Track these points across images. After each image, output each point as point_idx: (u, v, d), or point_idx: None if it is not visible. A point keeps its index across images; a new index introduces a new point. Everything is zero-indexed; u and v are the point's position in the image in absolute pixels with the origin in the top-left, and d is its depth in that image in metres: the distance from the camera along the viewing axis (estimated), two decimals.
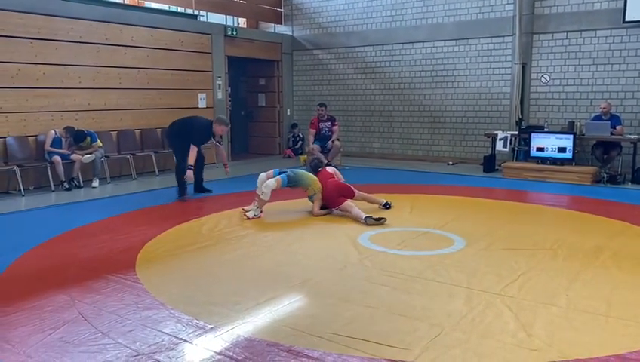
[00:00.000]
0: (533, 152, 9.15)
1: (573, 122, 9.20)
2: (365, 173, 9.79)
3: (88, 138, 8.41)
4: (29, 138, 8.21)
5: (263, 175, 6.46)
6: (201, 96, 10.84)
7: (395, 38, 11.48)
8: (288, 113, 13.16)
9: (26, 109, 8.16)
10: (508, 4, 10.18)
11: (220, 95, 11.25)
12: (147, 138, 9.81)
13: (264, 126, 13.23)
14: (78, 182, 8.36)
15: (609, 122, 8.71)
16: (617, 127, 8.69)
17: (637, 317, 3.39)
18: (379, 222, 5.78)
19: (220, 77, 11.21)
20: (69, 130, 8.21)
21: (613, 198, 7.33)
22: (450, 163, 10.83)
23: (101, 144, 8.64)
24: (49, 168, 8.03)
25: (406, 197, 7.32)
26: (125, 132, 9.51)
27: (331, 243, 5.18)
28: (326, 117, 10.15)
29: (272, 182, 6.22)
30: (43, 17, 8.27)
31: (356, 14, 11.94)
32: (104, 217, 6.32)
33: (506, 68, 10.35)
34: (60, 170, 8.01)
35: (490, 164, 9.76)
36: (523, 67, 10.04)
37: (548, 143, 8.99)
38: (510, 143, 9.59)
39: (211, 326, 3.30)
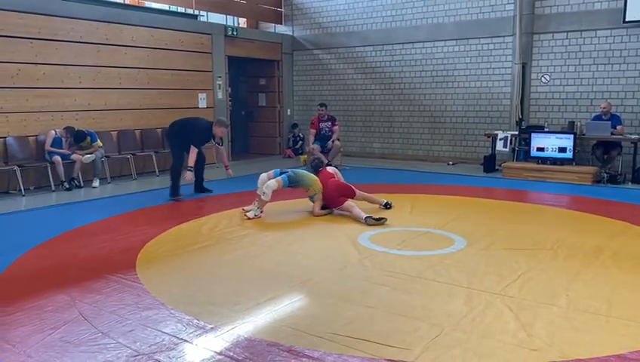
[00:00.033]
0: (534, 152, 9.15)
1: (574, 122, 9.20)
2: (365, 173, 9.79)
3: (88, 138, 8.41)
4: (30, 138, 8.22)
5: (263, 175, 6.46)
6: (202, 96, 10.84)
7: (396, 38, 11.48)
8: (288, 113, 13.16)
9: (27, 109, 8.17)
10: (508, 4, 10.18)
11: (220, 95, 11.24)
12: (147, 138, 9.81)
13: (264, 126, 13.23)
14: (79, 182, 8.36)
15: (609, 122, 8.70)
16: (618, 127, 8.68)
17: (637, 317, 3.38)
18: (379, 222, 5.78)
19: (220, 77, 11.21)
20: (69, 130, 8.22)
21: (613, 198, 7.33)
22: (451, 163, 10.82)
23: (101, 144, 8.64)
24: (49, 168, 8.04)
25: (406, 197, 7.32)
26: (125, 132, 9.52)
27: (331, 243, 5.18)
28: (326, 117, 10.15)
29: (274, 183, 6.22)
30: (43, 17, 8.27)
31: (356, 14, 11.94)
32: (104, 217, 6.33)
33: (506, 68, 10.35)
34: (61, 170, 8.01)
35: (490, 164, 9.76)
36: (523, 67, 10.04)
37: (548, 143, 8.98)
38: (510, 143, 9.59)
39: (212, 326, 3.30)
